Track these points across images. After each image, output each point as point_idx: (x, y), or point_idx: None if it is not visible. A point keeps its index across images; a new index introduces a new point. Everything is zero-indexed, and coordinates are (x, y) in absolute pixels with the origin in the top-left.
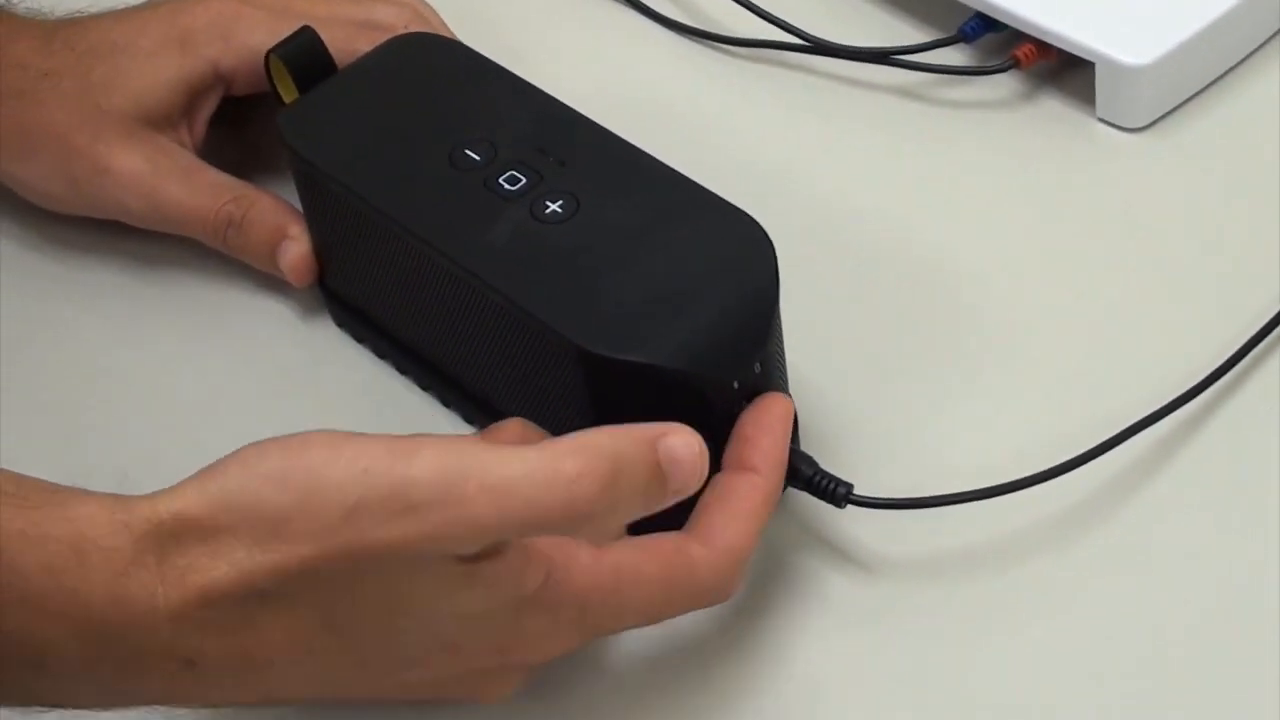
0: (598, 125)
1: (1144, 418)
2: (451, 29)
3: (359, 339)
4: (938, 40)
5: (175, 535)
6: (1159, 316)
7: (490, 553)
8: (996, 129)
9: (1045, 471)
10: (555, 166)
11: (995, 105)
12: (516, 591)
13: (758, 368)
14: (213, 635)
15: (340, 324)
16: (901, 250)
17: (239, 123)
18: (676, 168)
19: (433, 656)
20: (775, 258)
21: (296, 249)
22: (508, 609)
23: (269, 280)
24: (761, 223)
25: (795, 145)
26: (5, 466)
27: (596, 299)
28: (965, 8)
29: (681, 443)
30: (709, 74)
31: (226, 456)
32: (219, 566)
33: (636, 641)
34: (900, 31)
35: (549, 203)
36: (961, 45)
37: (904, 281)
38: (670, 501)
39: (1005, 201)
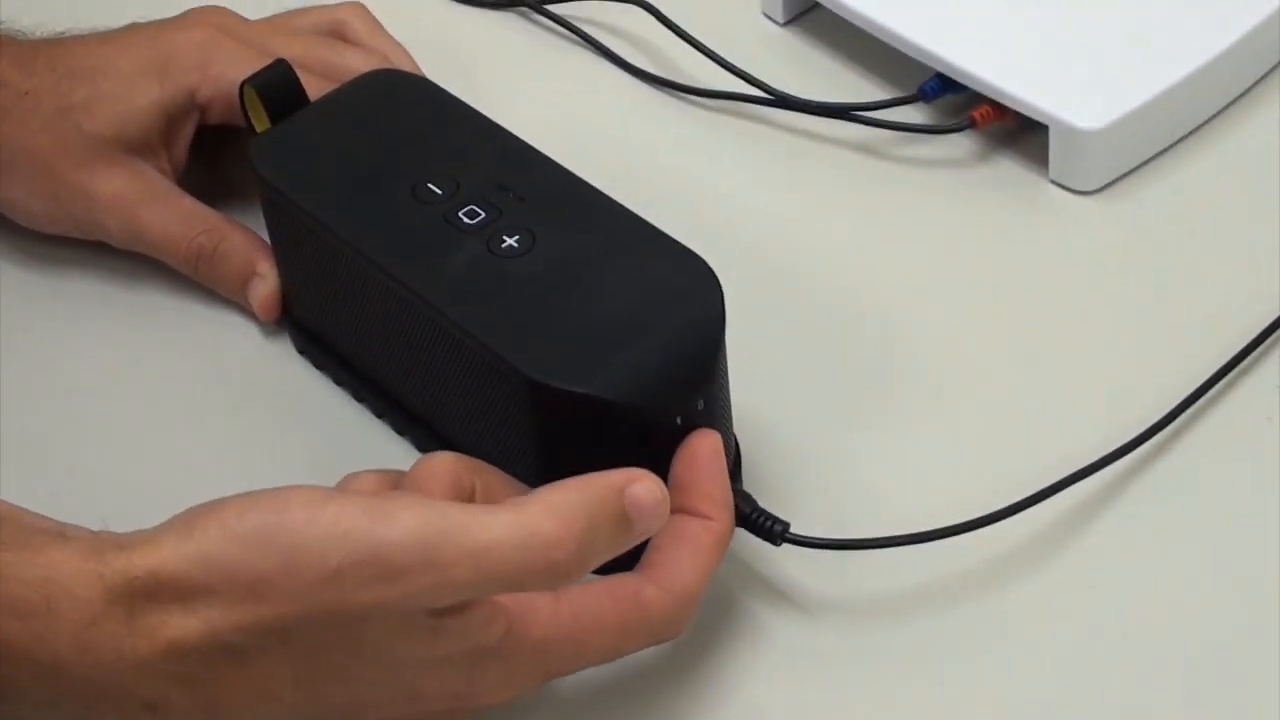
0: (558, 165)
1: (1079, 470)
2: (423, 71)
3: (319, 366)
4: (897, 98)
5: (150, 592)
6: (1098, 374)
7: (456, 607)
8: (950, 187)
9: (980, 518)
10: (514, 203)
11: (950, 164)
12: (479, 643)
13: (701, 404)
14: (179, 685)
15: (301, 351)
16: (851, 299)
17: (213, 153)
18: (634, 210)
19: (393, 704)
20: (722, 297)
21: (264, 287)
22: (469, 659)
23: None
24: (714, 266)
25: (753, 194)
26: None
27: (546, 331)
28: (925, 68)
29: (645, 490)
30: (672, 122)
31: (205, 511)
32: (191, 623)
33: (580, 675)
34: (861, 89)
35: (506, 237)
36: (920, 104)
37: (852, 329)
38: (635, 544)
39: (955, 257)
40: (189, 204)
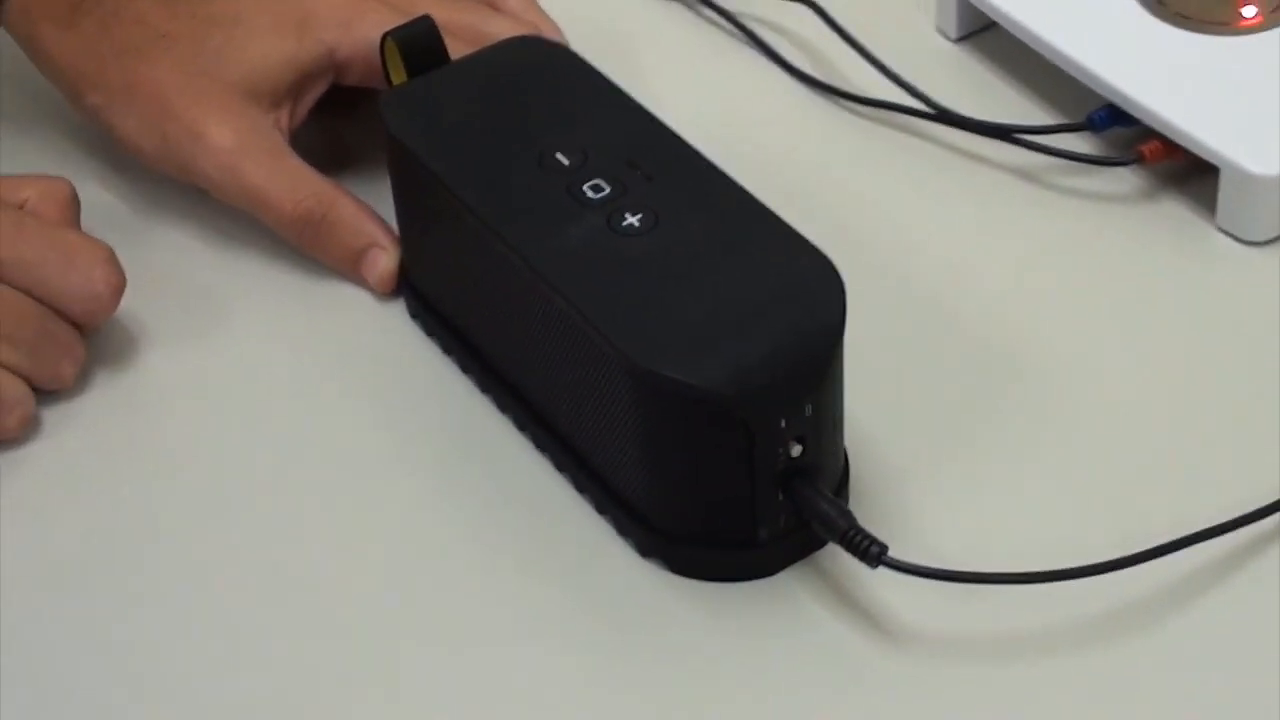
0: (693, 149)
1: (1207, 528)
2: (575, 47)
3: (429, 333)
4: (1064, 125)
5: None
6: (1242, 433)
7: None
8: (1109, 222)
9: (1090, 566)
10: (641, 181)
11: (1112, 199)
12: None
13: (809, 409)
14: None
15: (414, 315)
16: (988, 323)
17: (334, 118)
18: (772, 208)
19: None
20: (844, 300)
21: (386, 261)
22: None
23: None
24: (848, 273)
25: (900, 207)
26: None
27: (655, 315)
28: (1097, 96)
29: None
30: (826, 126)
31: None
32: None
33: (640, 689)
34: (1027, 111)
35: (628, 215)
36: (1088, 134)
37: (985, 354)
38: None
39: (1104, 294)
40: (298, 164)
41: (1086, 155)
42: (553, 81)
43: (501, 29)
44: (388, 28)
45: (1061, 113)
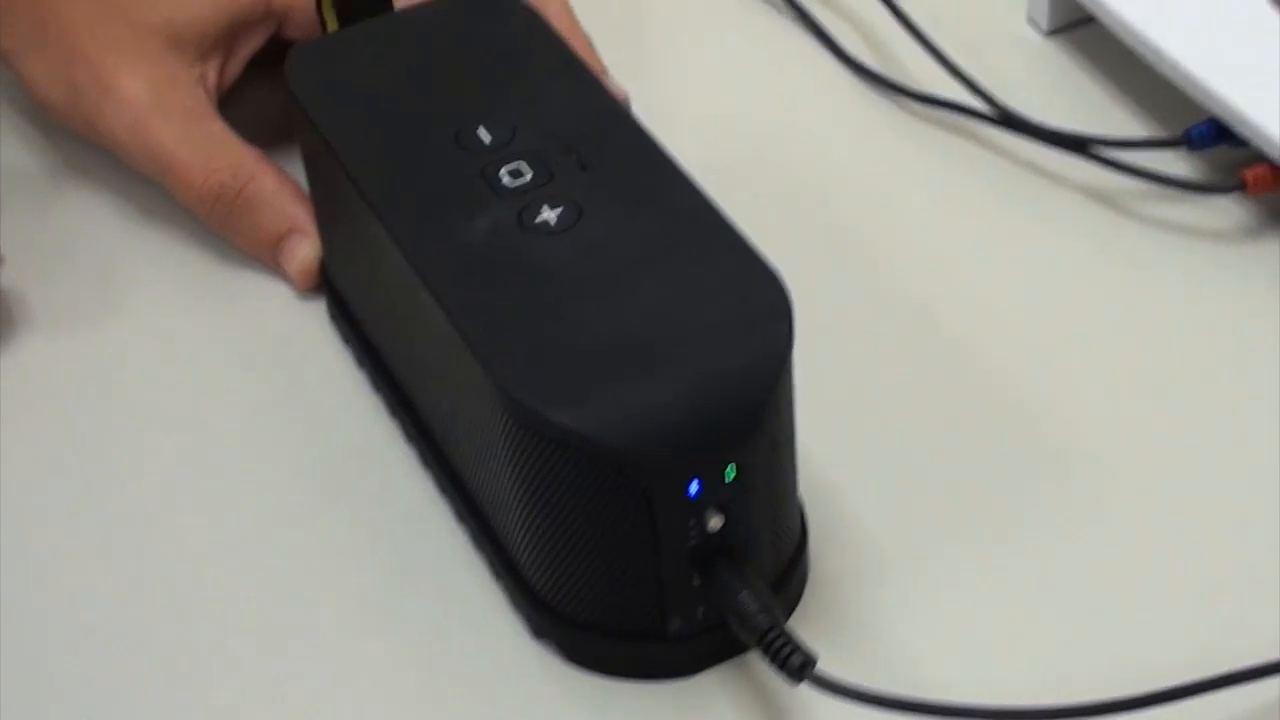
0: (649, 137)
1: (1256, 667)
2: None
3: (345, 340)
4: (1154, 139)
5: None
6: None
7: None
8: (1199, 262)
9: (1091, 706)
10: (574, 168)
11: (1205, 234)
12: None
13: (732, 472)
14: None
15: (333, 318)
16: (1027, 380)
17: (273, 80)
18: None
19: None
20: (790, 331)
21: (307, 250)
22: None
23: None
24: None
25: (938, 226)
26: None
27: (548, 337)
28: (1199, 109)
29: None
30: (870, 125)
31: None
32: None
33: None
34: (1113, 119)
35: (546, 208)
36: (1184, 151)
37: (1016, 418)
38: None
39: (1186, 354)
40: (218, 129)
41: (1177, 178)
42: (503, 45)
43: None
44: None
45: (1154, 123)
